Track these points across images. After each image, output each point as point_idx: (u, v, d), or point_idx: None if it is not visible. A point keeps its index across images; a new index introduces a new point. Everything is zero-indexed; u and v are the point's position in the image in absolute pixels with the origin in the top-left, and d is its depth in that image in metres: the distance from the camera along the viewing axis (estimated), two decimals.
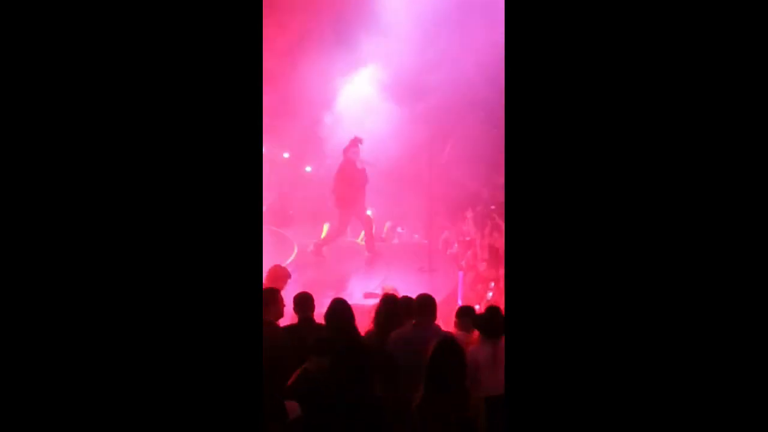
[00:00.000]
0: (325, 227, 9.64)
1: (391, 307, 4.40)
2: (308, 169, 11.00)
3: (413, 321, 4.28)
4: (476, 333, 4.56)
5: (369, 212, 9.59)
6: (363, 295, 7.36)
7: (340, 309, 4.30)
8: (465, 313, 4.75)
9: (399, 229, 10.83)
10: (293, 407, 3.31)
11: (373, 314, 4.46)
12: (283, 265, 6.60)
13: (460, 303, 7.37)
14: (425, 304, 4.30)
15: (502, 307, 4.46)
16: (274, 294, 4.55)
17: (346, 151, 8.38)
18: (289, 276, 5.83)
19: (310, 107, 9.71)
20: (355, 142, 8.33)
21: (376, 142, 8.80)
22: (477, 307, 6.11)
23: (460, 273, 8.33)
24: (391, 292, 5.09)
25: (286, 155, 11.00)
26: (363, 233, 8.97)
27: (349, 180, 8.36)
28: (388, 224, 10.66)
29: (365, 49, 9.50)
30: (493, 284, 8.18)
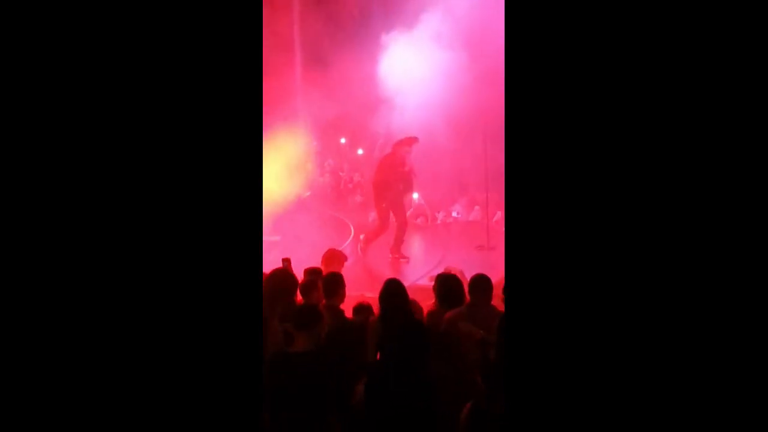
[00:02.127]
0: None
1: (448, 285, 4.41)
2: (360, 152, 11.05)
3: (467, 301, 4.32)
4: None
5: (415, 196, 9.51)
6: (428, 278, 7.34)
7: (394, 289, 4.32)
8: None
9: (454, 213, 10.77)
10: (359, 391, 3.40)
11: (432, 294, 4.48)
12: (341, 248, 6.72)
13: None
14: (478, 283, 4.31)
15: None
16: (336, 278, 4.57)
17: (398, 145, 8.16)
18: (345, 258, 5.89)
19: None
20: (411, 141, 8.07)
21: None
22: None
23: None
24: (456, 272, 5.08)
25: (342, 140, 11.08)
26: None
27: (394, 177, 8.12)
28: (441, 214, 10.60)
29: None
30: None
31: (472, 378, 3.44)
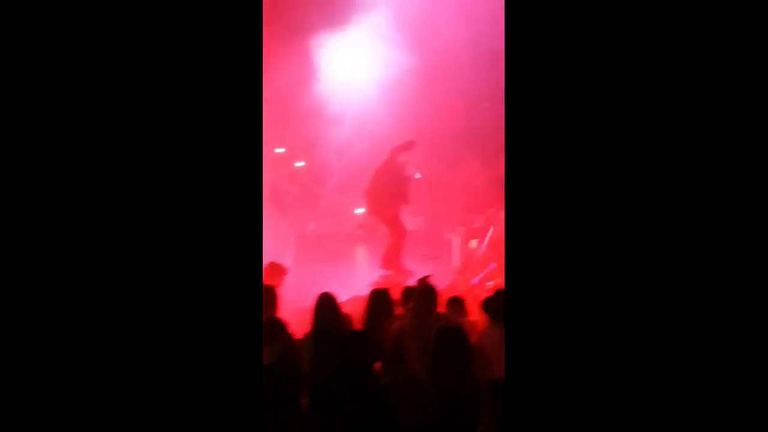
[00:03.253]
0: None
1: (379, 298, 4.39)
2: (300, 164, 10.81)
3: (413, 309, 4.31)
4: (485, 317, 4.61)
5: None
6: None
7: (326, 303, 4.28)
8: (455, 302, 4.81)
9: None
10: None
11: (365, 306, 4.46)
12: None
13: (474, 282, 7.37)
14: (425, 292, 4.32)
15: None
16: (269, 291, 4.51)
17: (396, 150, 7.77)
18: (285, 271, 5.80)
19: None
20: (409, 145, 7.74)
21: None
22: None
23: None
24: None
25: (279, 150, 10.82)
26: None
27: (393, 184, 7.75)
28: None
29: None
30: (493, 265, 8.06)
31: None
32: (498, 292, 4.51)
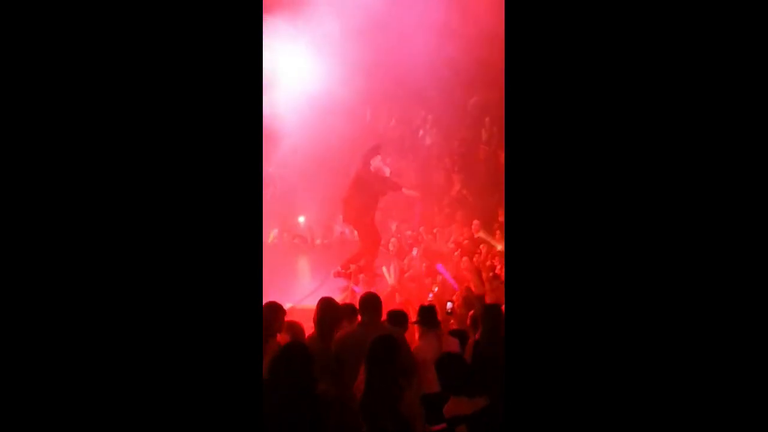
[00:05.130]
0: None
1: (327, 309, 4.33)
2: None
3: (359, 320, 4.29)
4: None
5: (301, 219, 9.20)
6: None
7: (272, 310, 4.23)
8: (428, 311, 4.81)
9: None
10: None
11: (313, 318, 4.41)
12: None
13: (456, 288, 7.39)
14: (369, 302, 4.29)
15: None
16: None
17: (366, 156, 7.82)
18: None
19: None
20: (377, 148, 7.80)
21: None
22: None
23: (439, 265, 8.17)
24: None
25: None
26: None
27: (371, 192, 7.79)
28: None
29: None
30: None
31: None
32: (430, 306, 4.53)
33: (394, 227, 9.60)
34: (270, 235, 9.65)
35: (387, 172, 7.78)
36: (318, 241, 10.10)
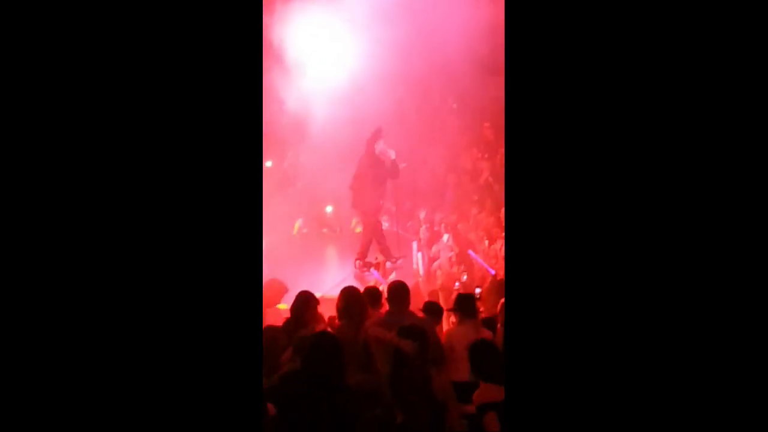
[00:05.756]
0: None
1: (352, 299, 4.32)
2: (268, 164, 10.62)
3: (385, 309, 4.30)
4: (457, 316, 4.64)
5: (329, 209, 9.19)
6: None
7: (305, 298, 4.26)
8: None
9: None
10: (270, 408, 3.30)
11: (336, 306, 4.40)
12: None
13: (492, 273, 7.35)
14: (397, 291, 4.30)
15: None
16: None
17: (370, 141, 7.72)
18: (286, 290, 5.63)
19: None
20: (380, 132, 7.68)
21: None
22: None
23: (471, 251, 8.11)
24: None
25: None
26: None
27: (378, 175, 7.69)
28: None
29: None
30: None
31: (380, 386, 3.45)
32: (469, 294, 4.53)
33: (422, 215, 9.58)
34: (295, 225, 9.63)
35: (392, 155, 7.66)
36: (338, 230, 10.01)
